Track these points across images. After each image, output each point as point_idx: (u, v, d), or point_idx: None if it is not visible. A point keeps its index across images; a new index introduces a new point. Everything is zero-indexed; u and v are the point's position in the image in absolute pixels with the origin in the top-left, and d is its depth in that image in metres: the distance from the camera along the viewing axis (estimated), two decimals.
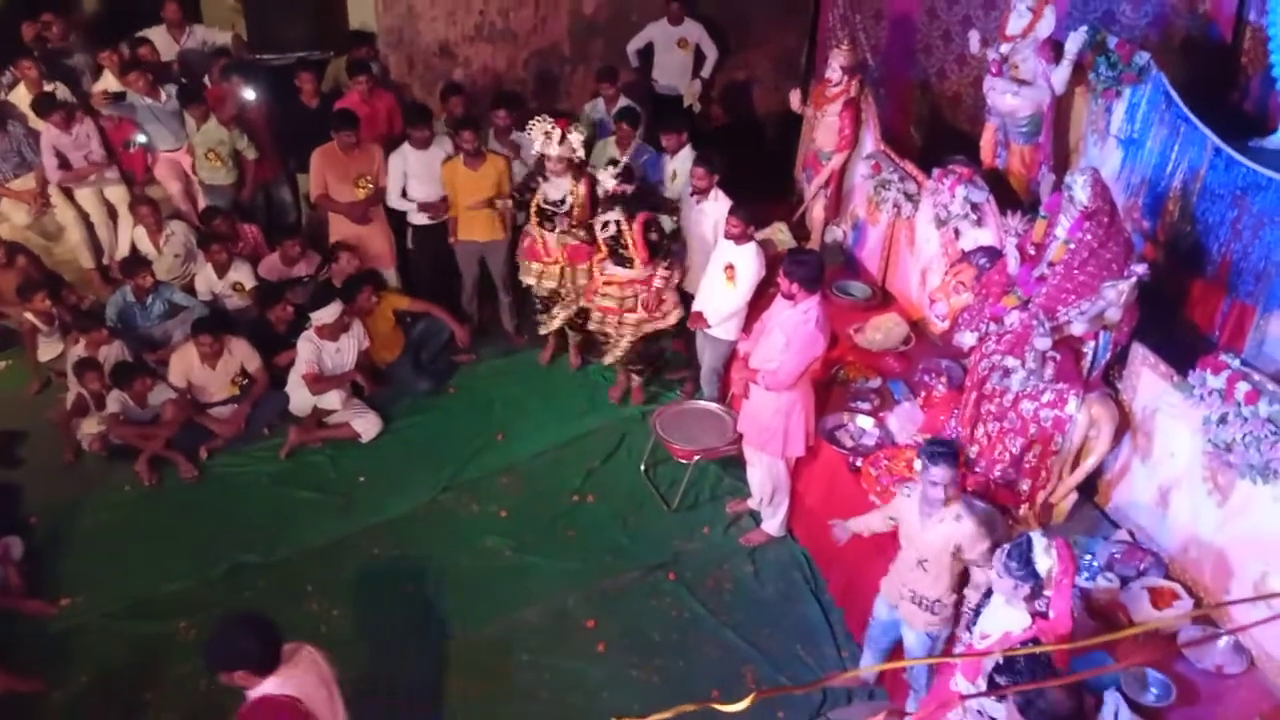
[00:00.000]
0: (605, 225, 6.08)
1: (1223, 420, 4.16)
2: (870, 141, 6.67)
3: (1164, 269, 5.01)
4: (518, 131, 6.95)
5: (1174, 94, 4.98)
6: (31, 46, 7.65)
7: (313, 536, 5.78)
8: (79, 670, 5.00)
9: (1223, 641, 4.26)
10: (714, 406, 6.07)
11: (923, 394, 5.61)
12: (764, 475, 5.53)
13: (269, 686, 3.31)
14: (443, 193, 6.87)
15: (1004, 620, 3.61)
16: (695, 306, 6.06)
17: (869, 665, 4.76)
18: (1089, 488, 4.98)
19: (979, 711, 3.65)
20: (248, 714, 3.31)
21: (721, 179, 6.20)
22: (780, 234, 6.97)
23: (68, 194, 7.58)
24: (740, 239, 5.72)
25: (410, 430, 6.59)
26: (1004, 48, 5.56)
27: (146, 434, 6.21)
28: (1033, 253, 4.72)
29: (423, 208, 6.99)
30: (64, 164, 7.32)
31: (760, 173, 7.49)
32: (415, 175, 6.90)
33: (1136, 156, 5.25)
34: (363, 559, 5.66)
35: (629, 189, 6.00)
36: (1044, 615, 3.50)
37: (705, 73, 8.34)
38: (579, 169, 6.31)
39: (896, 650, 4.63)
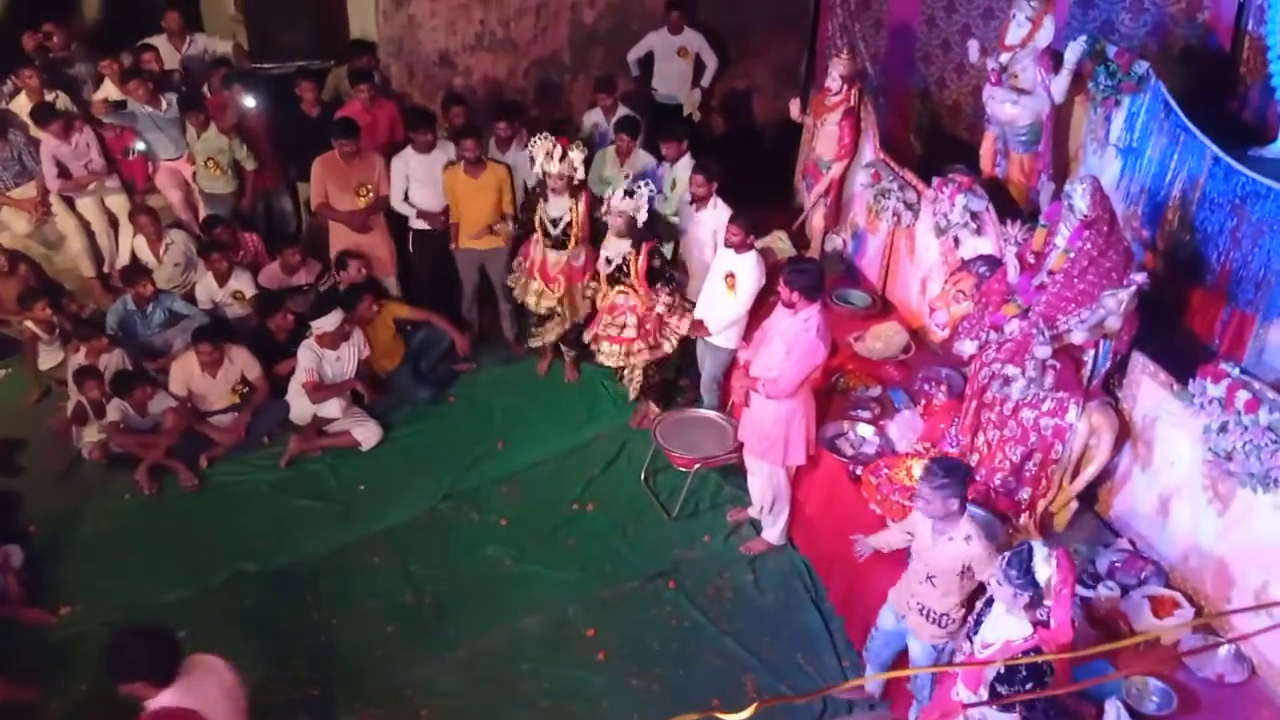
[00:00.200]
0: (609, 260, 6.08)
1: (1223, 429, 4.17)
2: (870, 150, 6.69)
3: (1164, 278, 5.02)
4: (518, 143, 6.96)
5: (1173, 103, 4.99)
6: (33, 56, 7.68)
7: (313, 545, 5.78)
8: (78, 679, 4.98)
9: (1224, 650, 4.25)
10: (714, 415, 6.08)
11: (923, 402, 5.61)
12: (764, 483, 5.52)
13: (166, 699, 3.33)
14: (444, 201, 6.88)
15: (1005, 629, 3.60)
16: (695, 314, 6.07)
17: (889, 674, 4.74)
18: (1089, 496, 4.98)
19: None
20: None
21: (720, 186, 6.21)
22: (780, 242, 6.98)
23: (68, 203, 7.59)
24: (740, 247, 5.73)
25: (410, 439, 6.59)
26: (1003, 57, 5.58)
27: (147, 442, 6.21)
28: (1032, 261, 4.72)
29: (422, 215, 7.01)
30: (63, 173, 7.33)
31: (760, 181, 7.51)
32: (417, 179, 6.91)
33: (1136, 165, 5.26)
34: (363, 567, 5.65)
35: (640, 210, 5.93)
36: (1045, 624, 3.49)
37: (705, 82, 8.36)
38: (578, 187, 6.33)
39: (898, 661, 4.62)
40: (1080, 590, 4.47)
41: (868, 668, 4.75)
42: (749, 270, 5.75)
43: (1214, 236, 4.86)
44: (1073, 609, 3.58)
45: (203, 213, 7.65)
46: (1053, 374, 4.67)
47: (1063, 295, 4.55)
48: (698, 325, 6.02)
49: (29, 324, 6.71)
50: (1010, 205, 5.78)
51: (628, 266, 6.05)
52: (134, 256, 7.30)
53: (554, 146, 6.13)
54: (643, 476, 6.20)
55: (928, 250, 6.19)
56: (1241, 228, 4.71)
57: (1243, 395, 4.10)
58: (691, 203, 6.28)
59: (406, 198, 6.98)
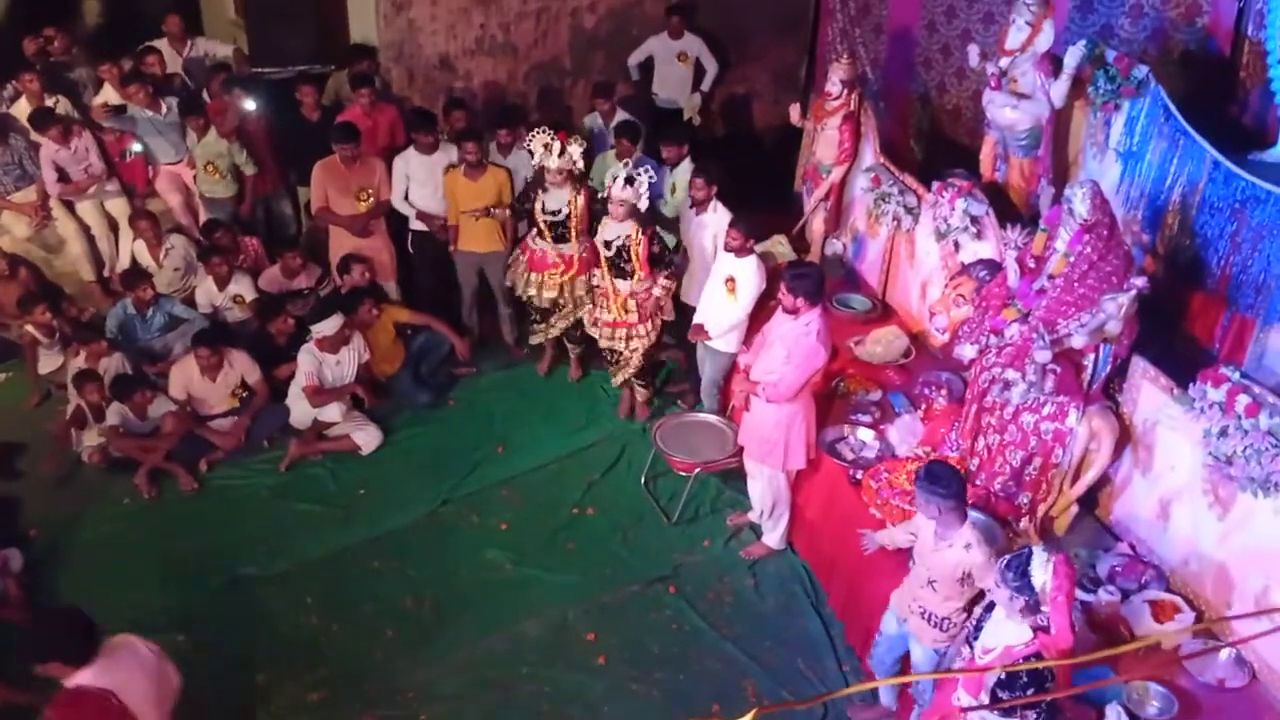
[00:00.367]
0: (609, 244, 6.09)
1: (1223, 433, 4.16)
2: (870, 155, 6.69)
3: (1164, 282, 5.02)
4: (519, 146, 6.97)
5: (1173, 107, 4.99)
6: (34, 60, 7.68)
7: (313, 549, 5.77)
8: None
9: (1224, 655, 4.25)
10: (714, 419, 6.07)
11: (923, 406, 5.61)
12: (765, 488, 5.52)
13: (83, 678, 3.36)
14: (444, 204, 6.87)
15: (1005, 634, 3.60)
16: (696, 319, 6.06)
17: (891, 680, 4.72)
18: (1090, 500, 4.98)
19: None
20: (58, 705, 3.36)
21: (720, 190, 6.21)
22: (780, 246, 6.99)
23: (69, 207, 7.59)
24: (740, 251, 5.73)
25: (410, 443, 6.59)
26: (1003, 62, 5.58)
27: (146, 446, 6.21)
28: (1032, 266, 4.72)
29: (421, 218, 7.02)
30: (63, 177, 7.34)
31: (760, 186, 7.52)
32: (417, 180, 6.92)
33: (1136, 170, 5.26)
34: (363, 571, 5.65)
35: (641, 198, 5.94)
36: (1045, 629, 3.49)
37: (705, 86, 8.37)
38: (578, 180, 6.33)
39: (902, 665, 4.61)
40: (1081, 594, 4.47)
41: (875, 676, 4.73)
42: (749, 274, 5.75)
43: (1214, 241, 4.87)
44: (1073, 614, 3.58)
45: (203, 217, 7.66)
46: (1053, 378, 4.67)
47: (1063, 299, 4.55)
48: (698, 330, 6.02)
49: (29, 328, 6.70)
50: (1010, 210, 5.78)
51: (628, 251, 6.05)
52: (134, 260, 7.30)
53: (552, 140, 6.13)
54: (643, 481, 6.20)
55: (928, 254, 6.20)
56: (1241, 232, 4.72)
57: (1243, 399, 4.10)
58: (691, 206, 6.29)
59: (407, 197, 6.99)
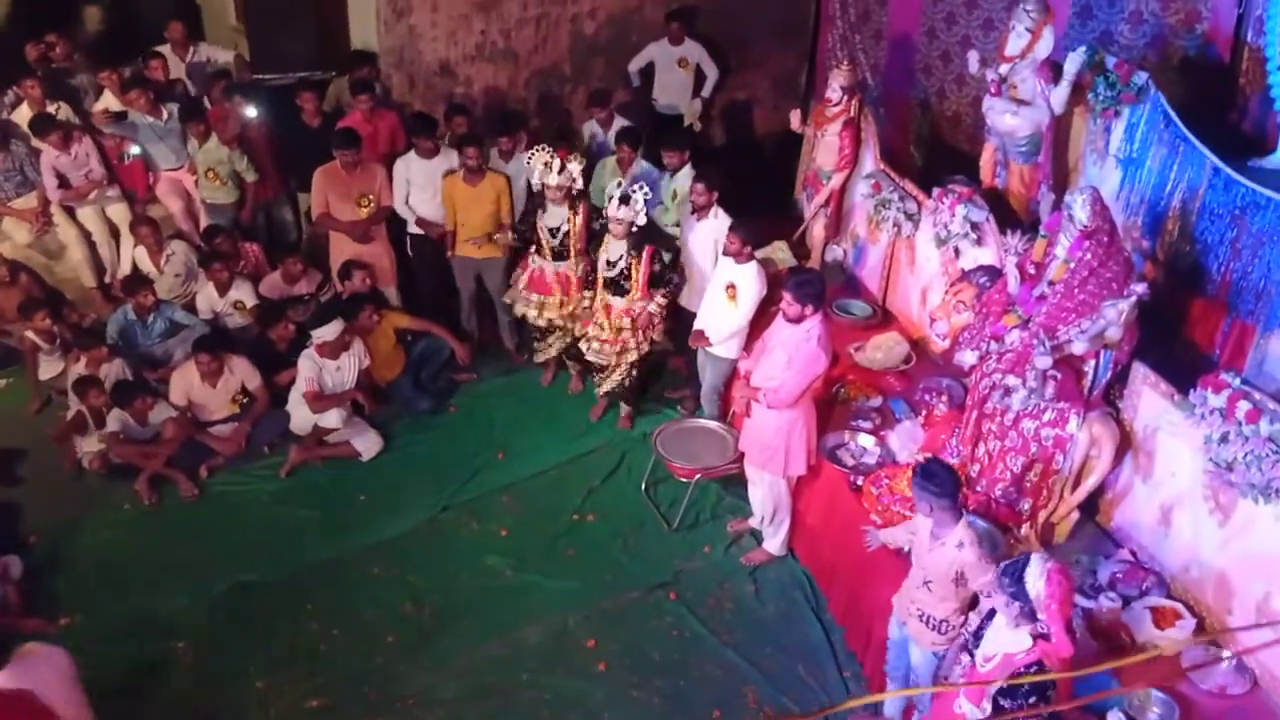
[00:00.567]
0: (612, 264, 6.09)
1: (1224, 439, 4.16)
2: (870, 161, 6.70)
3: (1164, 288, 5.02)
4: (519, 152, 6.98)
5: (1173, 114, 5.00)
6: (35, 66, 7.69)
7: (313, 555, 5.76)
8: None
9: (1226, 662, 4.24)
10: (715, 425, 6.07)
11: (924, 413, 5.61)
12: (765, 494, 5.52)
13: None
14: (442, 210, 6.88)
15: (1005, 642, 3.59)
16: (696, 325, 6.07)
17: (893, 693, 4.72)
18: (1090, 507, 4.98)
19: None
20: None
21: (721, 196, 6.22)
22: (780, 253, 6.99)
23: (70, 213, 7.59)
24: (740, 257, 5.74)
25: (411, 449, 6.59)
26: (1003, 68, 5.58)
27: (147, 452, 6.21)
28: (1033, 272, 4.72)
29: (420, 223, 7.02)
30: (64, 183, 7.34)
31: (760, 192, 7.52)
32: (417, 184, 6.93)
33: (1136, 176, 5.27)
34: (363, 578, 5.64)
35: (638, 214, 5.96)
36: (1045, 637, 3.48)
37: (705, 92, 8.38)
38: (576, 198, 6.34)
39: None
40: (1082, 601, 4.46)
41: (889, 684, 4.71)
42: (750, 281, 5.76)
43: (1214, 247, 4.87)
44: (1073, 621, 3.57)
45: (204, 223, 7.66)
46: (1053, 384, 4.66)
47: (1063, 306, 4.55)
48: (698, 336, 6.02)
49: (30, 334, 6.71)
50: (1010, 216, 5.79)
51: (629, 270, 6.05)
52: (135, 266, 7.31)
53: (552, 158, 6.15)
54: (643, 487, 6.19)
55: (928, 261, 6.20)
56: (1241, 238, 4.72)
57: (1243, 406, 4.10)
58: (693, 212, 6.29)
59: (408, 201, 7.00)
